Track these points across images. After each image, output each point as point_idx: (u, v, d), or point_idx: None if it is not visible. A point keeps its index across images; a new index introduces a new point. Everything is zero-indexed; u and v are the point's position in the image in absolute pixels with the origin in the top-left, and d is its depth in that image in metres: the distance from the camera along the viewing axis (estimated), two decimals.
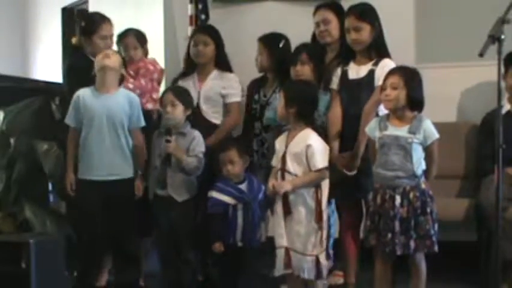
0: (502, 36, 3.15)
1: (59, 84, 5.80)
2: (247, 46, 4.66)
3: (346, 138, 3.86)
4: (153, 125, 4.28)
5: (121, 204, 3.99)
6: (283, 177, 3.59)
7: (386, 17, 3.94)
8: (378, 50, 3.88)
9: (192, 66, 4.47)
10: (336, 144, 3.85)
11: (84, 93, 4.06)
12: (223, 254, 3.81)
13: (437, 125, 3.54)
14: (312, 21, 4.32)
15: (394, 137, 3.48)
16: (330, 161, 3.67)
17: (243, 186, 3.83)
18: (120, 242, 4.10)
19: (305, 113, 3.62)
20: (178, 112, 3.99)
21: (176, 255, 4.00)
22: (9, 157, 4.45)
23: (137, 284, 4.18)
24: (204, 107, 4.36)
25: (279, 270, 3.59)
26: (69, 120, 4.09)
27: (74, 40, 4.66)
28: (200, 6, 5.06)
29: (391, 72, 3.56)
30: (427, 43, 4.91)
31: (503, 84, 3.83)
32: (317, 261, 3.54)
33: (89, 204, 4.00)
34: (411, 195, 3.44)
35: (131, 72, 4.43)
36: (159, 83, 4.55)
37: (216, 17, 5.08)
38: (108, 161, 4.00)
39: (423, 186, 3.46)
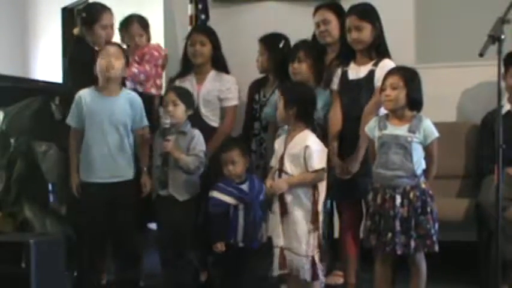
0: (502, 36, 3.16)
1: (59, 84, 5.81)
2: (247, 46, 4.66)
3: (346, 138, 3.87)
4: (155, 111, 4.28)
5: (123, 206, 3.99)
6: (280, 178, 3.59)
7: (386, 17, 3.95)
8: (378, 50, 3.88)
9: (189, 67, 4.47)
10: (335, 145, 3.85)
11: (86, 94, 4.06)
12: (224, 254, 3.81)
13: (437, 125, 3.55)
14: (312, 22, 4.32)
15: (394, 136, 3.48)
16: (329, 163, 3.67)
17: (244, 187, 3.83)
18: (120, 242, 4.10)
19: (305, 113, 3.63)
20: (179, 112, 3.99)
21: (177, 255, 4.00)
22: (9, 157, 4.45)
23: (138, 284, 4.17)
24: (203, 111, 4.36)
25: (275, 270, 3.59)
26: (71, 120, 4.08)
27: (75, 31, 4.67)
28: (200, 6, 5.06)
29: (391, 73, 3.56)
30: (427, 43, 4.91)
31: (503, 84, 3.83)
32: (313, 262, 3.54)
33: (90, 206, 4.00)
34: (411, 194, 3.44)
35: (136, 58, 4.49)
36: (163, 68, 4.57)
37: (216, 17, 5.08)
38: (111, 163, 4.00)
39: (423, 185, 3.47)
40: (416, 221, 3.43)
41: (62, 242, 3.86)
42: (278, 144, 3.69)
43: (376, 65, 3.84)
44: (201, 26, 4.89)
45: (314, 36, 4.33)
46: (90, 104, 4.03)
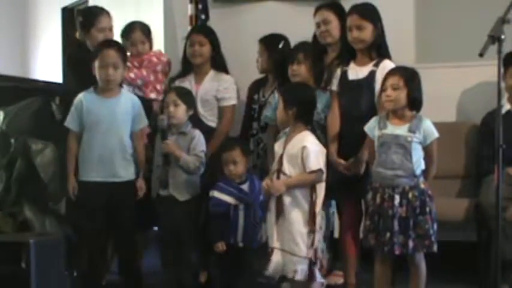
0: (502, 36, 3.16)
1: (59, 84, 5.81)
2: (247, 46, 4.66)
3: (346, 139, 3.86)
4: (153, 115, 4.29)
5: (122, 206, 3.99)
6: (278, 179, 3.58)
7: (386, 17, 3.94)
8: (378, 50, 3.88)
9: (188, 67, 4.47)
10: (334, 147, 3.85)
11: (85, 97, 4.05)
12: (225, 254, 3.81)
13: (437, 125, 3.55)
14: (312, 22, 4.32)
15: (394, 136, 3.48)
16: (329, 164, 3.66)
17: (245, 187, 3.83)
18: (121, 243, 4.10)
19: (304, 114, 3.62)
20: (180, 112, 3.99)
21: (177, 255, 4.00)
22: (9, 157, 4.45)
23: (138, 284, 4.17)
24: (201, 110, 4.36)
25: (271, 270, 3.59)
26: (70, 124, 4.06)
27: (77, 35, 4.66)
28: (200, 6, 5.06)
29: (391, 73, 3.56)
30: (427, 43, 4.91)
31: (503, 84, 3.83)
32: (310, 264, 3.53)
33: (89, 205, 4.00)
34: (410, 194, 3.44)
35: (135, 64, 4.48)
36: (165, 75, 4.56)
37: (216, 17, 5.08)
38: (110, 163, 3.99)
39: (422, 185, 3.47)
40: (415, 221, 3.43)
41: (62, 242, 3.85)
42: (278, 145, 3.69)
43: (376, 65, 3.83)
44: (200, 27, 4.89)
45: (315, 36, 4.33)
46: (90, 106, 4.02)
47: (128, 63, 4.42)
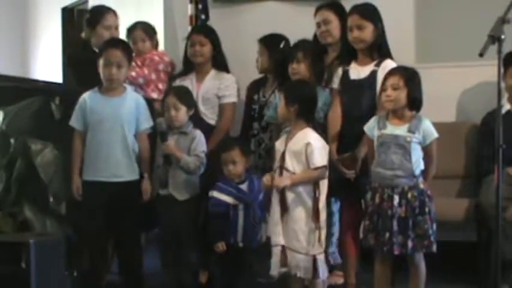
0: (502, 36, 3.16)
1: (59, 84, 5.81)
2: (247, 46, 4.66)
3: (347, 139, 3.86)
4: (155, 114, 4.29)
5: (124, 207, 3.99)
6: (281, 175, 3.59)
7: (387, 17, 3.94)
8: (379, 50, 3.88)
9: (190, 66, 4.47)
10: (334, 146, 3.85)
11: (90, 97, 4.05)
12: (224, 254, 3.81)
13: (437, 125, 3.55)
14: (312, 22, 4.32)
15: (394, 136, 3.48)
16: (330, 162, 3.67)
17: (244, 187, 3.84)
18: (122, 243, 4.10)
19: (306, 111, 3.63)
20: (181, 115, 4.00)
21: (177, 255, 4.00)
22: (9, 157, 4.44)
23: (138, 284, 4.17)
24: (202, 109, 4.36)
25: (274, 268, 3.59)
26: (74, 123, 4.06)
27: (83, 34, 4.67)
28: (200, 6, 5.06)
29: (391, 73, 3.56)
30: (427, 43, 4.91)
31: (502, 84, 3.83)
32: (314, 261, 3.53)
33: (91, 204, 4.00)
34: (409, 194, 3.44)
35: (138, 63, 4.50)
36: (167, 74, 4.56)
37: (216, 17, 5.08)
38: (115, 163, 3.99)
39: (422, 185, 3.47)
40: (414, 221, 3.43)
41: (62, 242, 3.85)
42: (279, 143, 3.69)
43: (378, 65, 3.84)
44: (200, 26, 4.89)
45: (315, 36, 4.33)
46: (94, 105, 4.02)
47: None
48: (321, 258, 3.56)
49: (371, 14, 3.89)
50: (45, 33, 7.99)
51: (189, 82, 4.39)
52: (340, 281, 4.16)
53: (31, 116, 4.47)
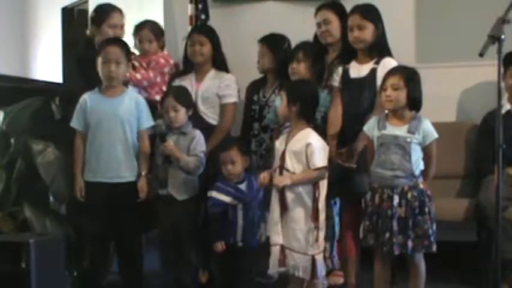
0: (502, 36, 3.16)
1: (59, 84, 5.80)
2: (247, 46, 4.66)
3: (346, 137, 3.87)
4: (158, 116, 4.29)
5: (125, 207, 3.99)
6: (281, 175, 3.59)
7: (387, 17, 3.96)
8: (379, 50, 3.89)
9: (190, 66, 4.47)
10: (333, 144, 3.85)
11: (90, 97, 4.06)
12: (224, 254, 3.81)
13: (437, 125, 3.55)
14: (312, 21, 4.32)
15: (393, 136, 3.48)
16: (330, 162, 3.67)
17: (243, 186, 3.84)
18: (122, 243, 4.09)
19: (307, 111, 3.63)
20: (181, 116, 4.00)
21: (177, 255, 4.00)
22: (9, 157, 4.44)
23: (138, 284, 4.17)
24: (201, 108, 4.36)
25: (273, 268, 3.59)
26: (75, 124, 4.08)
27: (88, 32, 4.66)
28: (200, 6, 5.06)
29: (391, 73, 3.56)
30: (427, 43, 4.91)
31: (502, 84, 3.83)
32: (313, 261, 3.53)
33: (92, 205, 4.00)
34: (409, 195, 3.44)
35: (143, 64, 4.48)
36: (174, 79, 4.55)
37: (216, 17, 5.08)
38: (116, 163, 4.00)
39: (421, 186, 3.47)
40: (414, 221, 3.43)
41: (62, 242, 3.86)
42: (279, 142, 3.69)
43: (377, 63, 3.85)
44: (200, 26, 4.89)
45: (315, 36, 4.33)
46: (94, 105, 4.03)
47: (136, 63, 4.43)
48: (319, 258, 3.56)
49: (372, 14, 3.90)
50: (45, 33, 7.98)
51: (188, 82, 4.39)
52: (340, 281, 4.15)
53: (31, 116, 4.47)
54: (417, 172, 3.47)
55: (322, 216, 3.56)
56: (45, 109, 4.51)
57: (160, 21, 5.44)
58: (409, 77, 3.50)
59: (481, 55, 3.14)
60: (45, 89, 5.09)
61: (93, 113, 4.02)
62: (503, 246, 3.35)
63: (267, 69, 4.45)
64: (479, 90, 4.69)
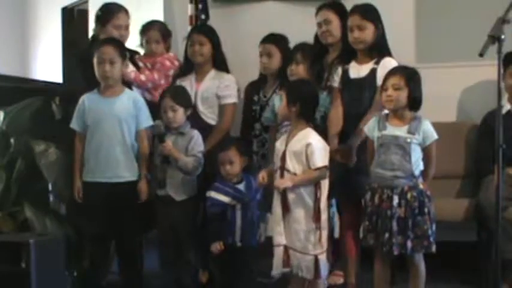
0: (502, 36, 3.16)
1: (59, 84, 5.81)
2: (247, 46, 4.66)
3: (347, 137, 3.86)
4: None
5: (124, 207, 3.99)
6: (282, 176, 3.59)
7: (387, 17, 3.95)
8: (379, 50, 3.89)
9: (190, 66, 4.47)
10: (334, 143, 3.85)
11: (89, 98, 4.07)
12: (223, 254, 3.81)
13: (437, 125, 3.55)
14: (312, 22, 4.32)
15: (393, 136, 3.48)
16: (331, 162, 3.67)
17: (241, 186, 3.84)
18: (122, 243, 4.09)
19: (307, 112, 3.63)
20: (179, 116, 4.00)
21: (176, 255, 4.00)
22: (9, 157, 4.45)
23: (138, 284, 4.17)
24: (201, 108, 4.36)
25: (277, 268, 3.59)
26: (75, 125, 4.09)
27: (93, 30, 4.65)
28: (200, 6, 5.06)
29: (392, 73, 3.56)
30: (427, 43, 4.91)
31: (502, 84, 3.83)
32: (316, 261, 3.53)
33: (91, 205, 4.00)
34: (409, 195, 3.44)
35: (148, 65, 4.48)
36: (175, 79, 4.54)
37: (216, 17, 5.08)
38: (114, 163, 4.00)
39: (421, 186, 3.47)
40: (414, 222, 3.43)
41: (62, 242, 3.86)
42: (280, 142, 3.69)
43: (377, 63, 3.85)
44: (200, 26, 4.88)
45: (316, 36, 4.33)
46: (92, 105, 4.04)
47: (140, 63, 4.42)
48: (322, 258, 3.56)
49: (372, 14, 3.90)
50: (45, 33, 7.98)
51: (188, 82, 4.39)
52: (340, 281, 4.16)
53: (31, 116, 4.47)
54: (417, 172, 3.47)
55: (323, 215, 3.56)
56: (46, 109, 4.51)
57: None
58: (410, 77, 3.50)
59: (481, 55, 3.14)
60: (45, 89, 5.09)
61: (91, 113, 4.03)
62: (503, 246, 3.35)
63: (273, 70, 4.41)
64: (479, 90, 4.69)
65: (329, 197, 3.68)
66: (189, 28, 4.88)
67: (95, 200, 4.00)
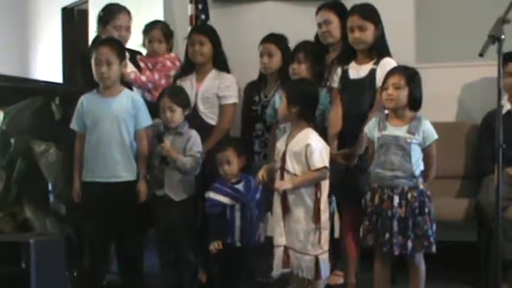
0: (502, 36, 3.16)
1: (59, 84, 5.81)
2: (247, 46, 4.65)
3: (347, 138, 3.87)
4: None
5: (123, 207, 3.98)
6: (282, 176, 3.58)
7: (387, 17, 3.95)
8: (379, 50, 3.88)
9: (190, 66, 4.47)
10: (334, 144, 3.85)
11: (88, 98, 4.07)
12: (223, 254, 3.81)
13: (437, 125, 3.55)
14: (312, 22, 4.32)
15: (394, 137, 3.48)
16: (330, 162, 3.67)
17: (240, 186, 3.84)
18: (122, 243, 4.10)
19: (307, 112, 3.62)
20: (177, 116, 3.99)
21: (175, 255, 4.00)
22: (9, 157, 4.45)
23: (138, 284, 4.17)
24: (201, 108, 4.35)
25: (277, 269, 3.59)
26: (74, 125, 4.09)
27: (96, 31, 4.66)
28: (200, 6, 5.06)
29: (392, 72, 3.56)
30: (427, 43, 4.91)
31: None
32: (316, 261, 3.53)
33: (90, 205, 4.00)
34: (409, 195, 3.44)
35: (149, 65, 4.47)
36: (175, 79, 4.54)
37: (216, 17, 5.08)
38: (112, 163, 3.99)
39: (421, 186, 3.47)
40: (414, 222, 3.43)
41: (62, 242, 3.85)
42: (280, 143, 3.68)
43: (377, 63, 3.84)
44: (201, 26, 4.88)
45: (317, 36, 4.33)
46: (91, 105, 4.04)
47: (142, 64, 4.42)
48: (323, 258, 3.55)
49: (372, 14, 3.90)
50: (45, 33, 7.99)
51: (188, 82, 4.39)
52: (340, 281, 4.16)
53: (31, 116, 4.48)
54: (417, 172, 3.47)
55: (324, 216, 3.56)
56: (45, 109, 4.51)
57: None
58: (410, 76, 3.50)
59: (481, 55, 3.14)
60: (45, 89, 5.09)
61: (89, 113, 4.03)
62: (503, 246, 3.35)
63: (275, 69, 4.41)
64: (479, 90, 4.69)
65: (329, 195, 3.68)
66: (189, 28, 4.88)
67: (94, 200, 4.00)
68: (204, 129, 4.19)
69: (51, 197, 4.49)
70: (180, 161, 3.93)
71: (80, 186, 4.04)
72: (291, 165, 3.57)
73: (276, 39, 4.41)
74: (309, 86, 3.77)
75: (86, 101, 4.07)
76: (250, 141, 4.42)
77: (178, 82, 4.43)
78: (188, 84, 4.36)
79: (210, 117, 4.37)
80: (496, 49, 3.20)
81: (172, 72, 4.50)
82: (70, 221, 4.34)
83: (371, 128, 3.58)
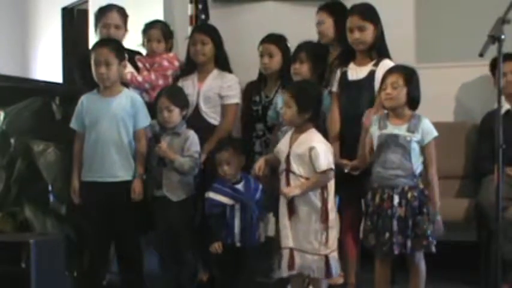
0: (502, 36, 3.16)
1: (59, 84, 5.81)
2: (247, 46, 4.66)
3: (346, 139, 3.86)
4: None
5: (122, 207, 3.99)
6: (287, 178, 3.57)
7: (386, 17, 3.94)
8: (378, 51, 3.88)
9: (192, 66, 4.46)
10: (336, 146, 3.84)
11: (88, 98, 4.07)
12: (223, 254, 3.81)
13: (437, 125, 3.55)
14: (311, 21, 4.32)
15: (393, 135, 3.48)
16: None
17: (240, 186, 3.84)
18: (121, 243, 4.10)
19: (316, 116, 3.61)
20: (175, 116, 3.98)
21: (175, 255, 4.00)
22: (9, 157, 4.45)
23: (138, 284, 4.16)
24: (203, 107, 4.35)
25: (283, 271, 3.59)
26: (73, 124, 4.09)
27: (94, 33, 4.67)
28: (200, 6, 5.06)
29: (391, 72, 3.56)
30: (427, 43, 4.91)
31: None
32: (327, 260, 3.53)
33: (90, 205, 4.00)
34: (409, 195, 3.44)
35: (147, 65, 4.47)
36: (177, 79, 4.53)
37: (216, 17, 5.08)
38: (110, 163, 3.99)
39: (421, 186, 3.47)
40: (414, 221, 3.43)
41: (62, 242, 3.86)
42: (284, 145, 3.66)
43: (376, 65, 3.83)
44: (202, 26, 4.88)
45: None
46: (90, 105, 4.04)
47: (140, 64, 4.42)
48: (332, 257, 3.54)
49: (371, 14, 3.89)
50: (45, 33, 7.99)
51: (190, 82, 4.38)
52: (340, 281, 4.15)
53: (31, 116, 4.48)
54: (417, 172, 3.47)
55: (331, 215, 3.55)
56: (45, 109, 4.52)
57: None
58: (408, 75, 3.50)
59: (481, 55, 3.14)
60: (45, 89, 5.09)
61: (88, 112, 4.03)
62: (503, 246, 3.35)
63: (277, 70, 4.40)
64: (479, 90, 4.69)
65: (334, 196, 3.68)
66: (189, 28, 4.89)
67: (92, 200, 3.99)
68: (206, 129, 4.19)
69: (51, 197, 4.49)
70: (178, 162, 3.93)
71: (79, 186, 4.04)
72: (296, 167, 3.55)
73: (276, 40, 4.41)
74: (317, 90, 3.73)
75: (86, 100, 4.07)
76: (251, 141, 4.41)
77: (180, 82, 4.41)
78: (190, 84, 4.35)
79: (212, 116, 4.37)
80: (496, 49, 3.20)
81: (170, 72, 4.48)
82: (70, 221, 4.34)
83: (372, 123, 3.57)
